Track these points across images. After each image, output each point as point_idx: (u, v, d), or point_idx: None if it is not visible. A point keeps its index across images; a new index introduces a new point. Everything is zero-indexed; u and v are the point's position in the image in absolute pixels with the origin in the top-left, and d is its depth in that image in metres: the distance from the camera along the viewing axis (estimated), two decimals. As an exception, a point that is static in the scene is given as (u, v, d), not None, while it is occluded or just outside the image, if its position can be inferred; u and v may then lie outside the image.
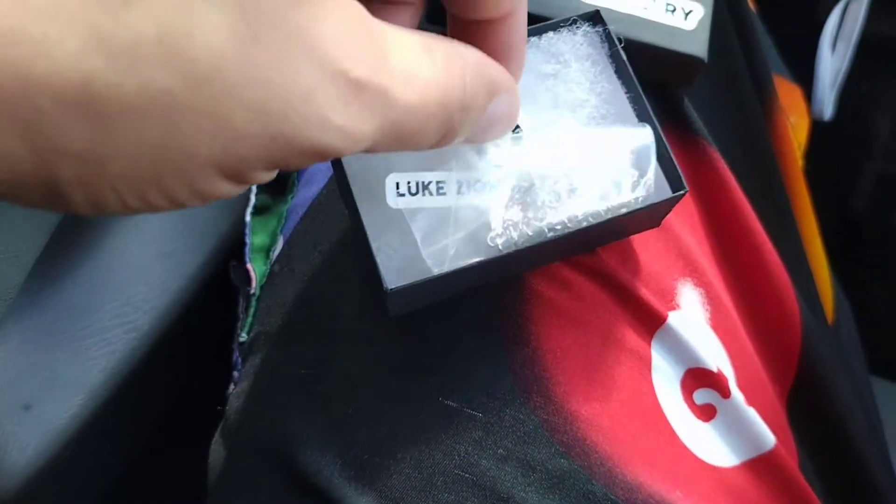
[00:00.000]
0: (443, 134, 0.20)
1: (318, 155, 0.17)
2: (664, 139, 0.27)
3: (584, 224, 0.26)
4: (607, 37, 0.29)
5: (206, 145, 0.15)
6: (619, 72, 0.29)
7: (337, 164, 0.27)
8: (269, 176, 0.18)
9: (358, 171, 0.27)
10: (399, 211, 0.26)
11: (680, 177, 0.28)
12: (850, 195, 0.72)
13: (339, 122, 0.17)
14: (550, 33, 0.29)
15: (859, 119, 0.69)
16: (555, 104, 0.28)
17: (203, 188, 0.16)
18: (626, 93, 0.29)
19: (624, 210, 0.27)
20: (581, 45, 0.29)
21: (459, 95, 0.20)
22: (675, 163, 0.28)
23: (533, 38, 0.29)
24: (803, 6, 0.61)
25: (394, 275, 0.26)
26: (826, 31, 0.57)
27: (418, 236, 0.26)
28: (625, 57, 0.29)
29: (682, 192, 0.28)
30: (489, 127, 0.22)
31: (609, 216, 0.26)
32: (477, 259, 0.26)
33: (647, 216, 0.28)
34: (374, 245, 0.26)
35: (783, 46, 0.47)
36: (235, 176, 0.17)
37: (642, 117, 0.28)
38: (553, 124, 0.27)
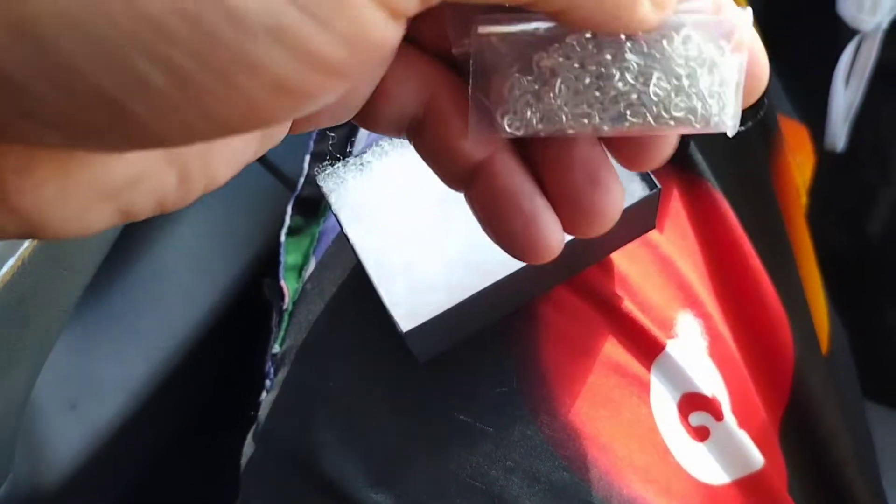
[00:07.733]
0: None
1: None
2: None
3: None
4: None
5: None
6: None
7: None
8: None
9: (359, 236, 0.29)
10: (402, 261, 0.28)
11: (650, 177, 0.29)
12: (866, 220, 0.73)
13: None
14: None
15: (876, 145, 0.70)
16: None
17: None
18: None
19: None
20: None
21: None
22: None
23: None
24: (814, 45, 0.63)
25: (407, 320, 0.28)
26: (840, 66, 0.58)
27: (419, 274, 0.28)
28: None
29: (656, 190, 0.29)
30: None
31: None
32: (481, 286, 0.28)
33: (634, 219, 0.30)
34: (385, 298, 0.28)
35: (792, 85, 0.49)
36: None
37: None
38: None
